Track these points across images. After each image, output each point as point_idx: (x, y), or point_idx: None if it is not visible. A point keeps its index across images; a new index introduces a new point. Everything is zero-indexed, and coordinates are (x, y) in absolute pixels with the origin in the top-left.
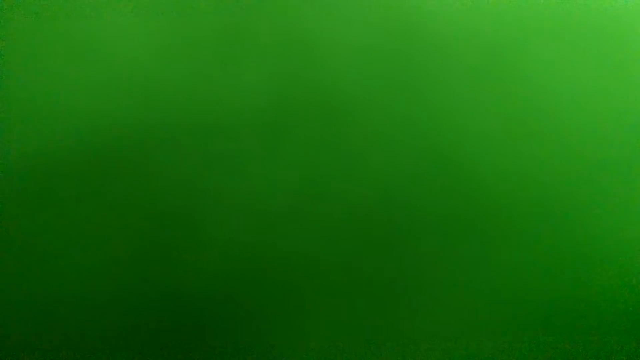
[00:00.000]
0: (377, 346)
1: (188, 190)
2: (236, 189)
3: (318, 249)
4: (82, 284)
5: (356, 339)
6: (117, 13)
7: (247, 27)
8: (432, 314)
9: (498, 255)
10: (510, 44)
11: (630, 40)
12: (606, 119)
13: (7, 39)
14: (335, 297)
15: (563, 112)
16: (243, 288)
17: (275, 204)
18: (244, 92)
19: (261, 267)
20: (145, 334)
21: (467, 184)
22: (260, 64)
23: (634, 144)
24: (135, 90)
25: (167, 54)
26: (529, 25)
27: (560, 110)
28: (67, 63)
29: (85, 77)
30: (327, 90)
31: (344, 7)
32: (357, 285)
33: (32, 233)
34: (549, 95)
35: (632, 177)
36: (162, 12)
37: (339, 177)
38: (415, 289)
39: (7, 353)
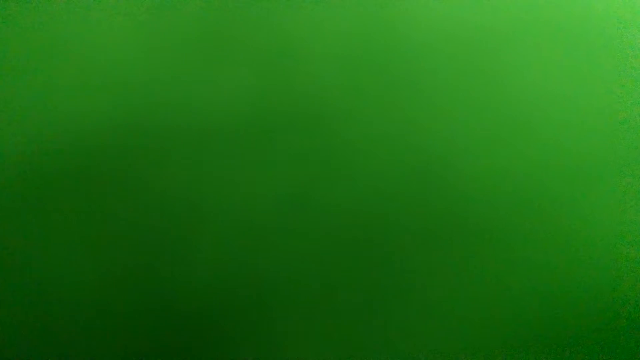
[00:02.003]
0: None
1: (170, 196)
2: (222, 194)
3: (305, 259)
4: (64, 295)
5: (345, 351)
6: (103, 18)
7: (233, 34)
8: (424, 326)
9: (489, 267)
10: (495, 48)
11: (622, 39)
12: (601, 118)
13: None
14: (323, 309)
15: (549, 122)
16: (230, 299)
17: (262, 210)
18: (229, 98)
19: (248, 276)
20: (130, 345)
21: (456, 190)
22: (245, 71)
23: (628, 144)
24: (119, 92)
25: (152, 61)
26: (514, 30)
27: (546, 119)
28: (53, 67)
29: (70, 81)
30: (311, 97)
31: (329, 14)
32: (346, 294)
33: (11, 241)
34: (534, 102)
35: (627, 179)
36: (147, 18)
37: (325, 185)
38: (404, 300)
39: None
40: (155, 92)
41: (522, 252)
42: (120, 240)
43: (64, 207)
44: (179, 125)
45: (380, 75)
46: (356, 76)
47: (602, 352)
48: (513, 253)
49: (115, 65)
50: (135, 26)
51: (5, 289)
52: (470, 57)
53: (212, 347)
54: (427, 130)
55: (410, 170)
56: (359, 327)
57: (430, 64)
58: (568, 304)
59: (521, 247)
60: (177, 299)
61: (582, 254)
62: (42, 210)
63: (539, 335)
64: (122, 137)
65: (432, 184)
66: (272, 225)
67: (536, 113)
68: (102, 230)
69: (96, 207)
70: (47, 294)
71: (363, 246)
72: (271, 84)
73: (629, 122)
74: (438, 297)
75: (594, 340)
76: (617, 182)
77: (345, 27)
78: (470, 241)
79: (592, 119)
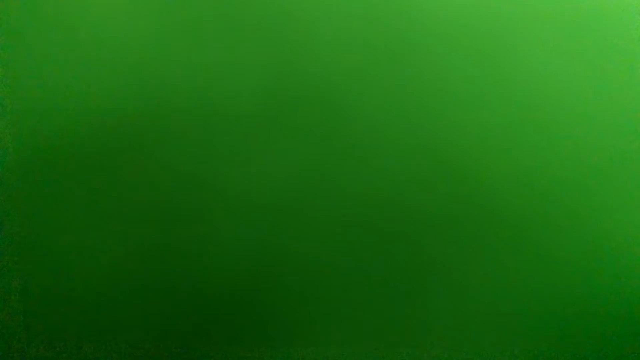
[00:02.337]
0: (378, 340)
1: (185, 180)
2: (233, 179)
3: (316, 243)
4: (81, 280)
5: (358, 335)
6: (117, 1)
7: (246, 17)
8: (433, 310)
9: (500, 253)
10: (508, 40)
11: (630, 36)
12: (607, 117)
13: (1, 30)
14: (336, 292)
15: (563, 111)
16: (244, 282)
17: (273, 195)
18: (244, 80)
19: (262, 261)
20: (146, 328)
21: (463, 176)
22: (254, 52)
23: (636, 142)
24: (129, 75)
25: (160, 40)
26: (527, 22)
27: (560, 108)
28: (58, 48)
29: (76, 62)
30: (324, 79)
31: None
32: (357, 279)
33: (32, 227)
34: (548, 94)
35: (635, 177)
36: (159, 2)
37: (335, 169)
38: (414, 282)
39: (11, 352)
40: (171, 75)
41: (539, 242)
42: (138, 219)
43: (87, 188)
44: (193, 107)
45: (392, 61)
46: (368, 59)
47: (619, 345)
48: (531, 244)
49: (132, 48)
50: (148, 9)
51: (30, 268)
52: (484, 39)
53: (225, 327)
54: (439, 113)
55: (420, 154)
56: (376, 305)
57: (442, 47)
58: (586, 296)
59: (538, 239)
60: (196, 276)
61: (601, 245)
62: (65, 191)
63: (556, 326)
64: (141, 119)
65: (442, 169)
66: (288, 204)
67: (553, 102)
68: (120, 210)
69: (116, 188)
70: (70, 274)
71: (379, 226)
72: (285, 66)
73: None
74: (457, 279)
75: (610, 331)
76: (634, 178)
77: (356, 11)
78: (482, 228)
79: (608, 108)
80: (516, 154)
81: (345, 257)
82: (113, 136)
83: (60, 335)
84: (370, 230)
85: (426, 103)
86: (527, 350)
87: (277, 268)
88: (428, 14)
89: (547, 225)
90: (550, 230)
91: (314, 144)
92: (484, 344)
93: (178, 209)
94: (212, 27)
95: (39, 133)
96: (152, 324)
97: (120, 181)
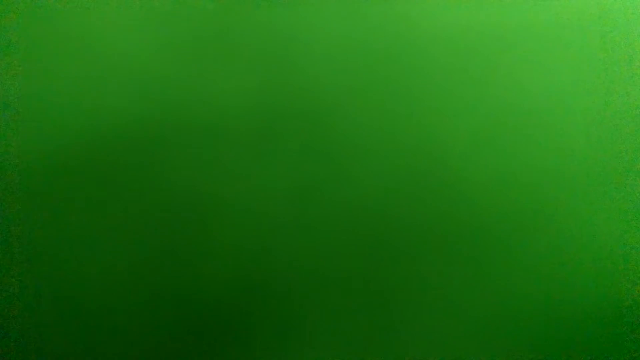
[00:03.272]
0: (370, 348)
1: (184, 190)
2: (231, 189)
3: (311, 252)
4: (84, 288)
5: (352, 343)
6: (114, 15)
7: (243, 36)
8: (426, 317)
9: (493, 260)
10: (497, 46)
11: (621, 43)
12: (597, 120)
13: (8, 38)
14: (331, 301)
15: (553, 115)
16: (240, 291)
17: (269, 206)
18: (239, 95)
19: (258, 269)
20: (148, 337)
21: (457, 185)
22: (251, 69)
23: (629, 147)
24: (132, 90)
25: (162, 58)
26: (517, 27)
27: (550, 113)
28: (66, 63)
29: (83, 76)
30: (316, 95)
31: (332, 18)
32: (352, 287)
33: (34, 234)
34: (538, 98)
35: (627, 179)
36: (157, 16)
37: (330, 178)
38: (406, 291)
39: (13, 354)
40: (170, 90)
41: (524, 253)
42: (137, 229)
43: (90, 198)
44: (192, 121)
45: (382, 74)
46: (360, 74)
47: (602, 356)
48: (515, 253)
49: (126, 63)
50: (148, 28)
51: (29, 278)
52: (470, 56)
53: (223, 335)
54: (427, 128)
55: (410, 167)
56: (368, 314)
57: (430, 63)
58: (570, 306)
59: (523, 248)
60: (193, 285)
61: (583, 255)
62: (69, 202)
63: (540, 337)
64: (139, 133)
65: (431, 182)
66: (283, 214)
67: (537, 115)
68: (121, 220)
69: (118, 199)
70: (73, 281)
71: (372, 235)
72: (280, 82)
73: (630, 125)
74: (443, 293)
75: (594, 342)
76: (618, 185)
77: (346, 29)
78: (469, 238)
79: (593, 122)
80: (502, 165)
81: (340, 266)
82: (116, 148)
83: (61, 339)
84: (364, 239)
85: (415, 117)
86: (519, 355)
87: (274, 277)
88: (417, 29)
89: (534, 231)
90: (538, 236)
91: (308, 155)
92: (474, 350)
93: (177, 219)
94: (210, 46)
95: (46, 142)
96: (150, 330)
97: (122, 192)
